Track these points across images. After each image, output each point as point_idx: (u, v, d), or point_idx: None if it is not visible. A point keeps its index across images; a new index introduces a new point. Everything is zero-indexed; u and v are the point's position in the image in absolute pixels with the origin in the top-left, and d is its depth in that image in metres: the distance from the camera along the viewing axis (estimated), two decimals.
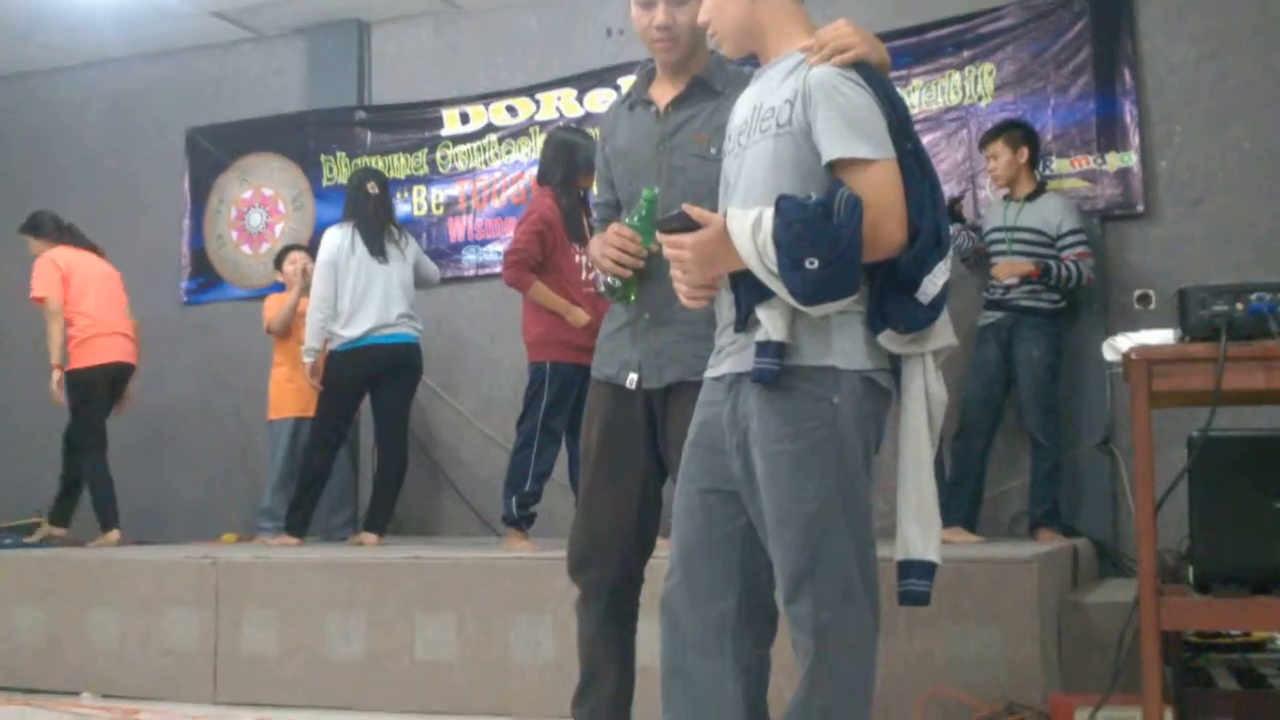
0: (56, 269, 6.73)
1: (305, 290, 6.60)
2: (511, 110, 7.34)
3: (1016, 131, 5.74)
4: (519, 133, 7.31)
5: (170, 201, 8.15)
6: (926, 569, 2.53)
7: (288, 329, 6.82)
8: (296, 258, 6.94)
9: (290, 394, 6.81)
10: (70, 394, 6.59)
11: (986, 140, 5.81)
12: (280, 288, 7.08)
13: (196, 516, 7.61)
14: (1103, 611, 4.24)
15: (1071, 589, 4.79)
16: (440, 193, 7.51)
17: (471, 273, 7.37)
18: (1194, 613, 2.97)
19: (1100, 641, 4.06)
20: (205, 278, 8.07)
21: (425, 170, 7.54)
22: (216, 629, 4.94)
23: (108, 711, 4.73)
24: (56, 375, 6.53)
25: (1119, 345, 3.04)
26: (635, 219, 2.94)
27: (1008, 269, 5.59)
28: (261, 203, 7.97)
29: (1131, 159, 5.99)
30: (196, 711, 4.72)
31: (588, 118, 6.96)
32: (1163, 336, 3.03)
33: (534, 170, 6.21)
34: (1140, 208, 5.98)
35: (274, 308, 6.91)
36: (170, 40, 8.05)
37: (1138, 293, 5.92)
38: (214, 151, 8.10)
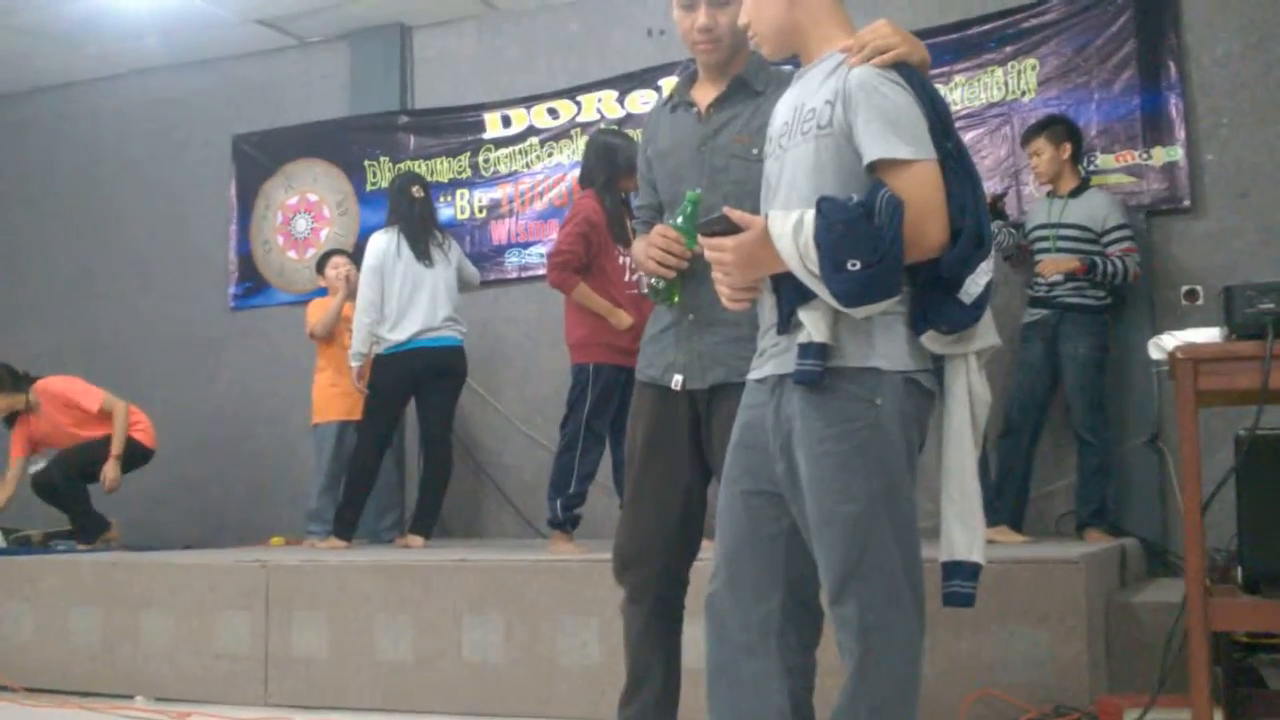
0: (73, 378, 7.04)
1: (349, 295, 6.65)
2: (553, 113, 7.36)
3: (1059, 127, 5.71)
4: (560, 135, 7.34)
5: (216, 208, 8.24)
6: (971, 570, 2.52)
7: (331, 334, 6.86)
8: (339, 262, 6.98)
9: (335, 398, 6.85)
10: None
11: (1029, 136, 5.78)
12: (323, 293, 7.13)
13: (244, 520, 7.69)
14: (1151, 612, 4.20)
15: (1119, 589, 4.75)
16: (483, 196, 7.55)
17: (514, 275, 7.41)
18: (1243, 613, 2.94)
19: (1149, 642, 4.01)
20: (252, 283, 8.16)
21: (468, 173, 7.59)
22: (267, 632, 4.99)
23: (161, 715, 4.78)
24: (116, 463, 6.82)
25: (1164, 344, 3.02)
26: (679, 220, 2.93)
27: (1053, 266, 5.55)
28: (306, 208, 8.04)
29: (1177, 153, 5.94)
30: (248, 714, 4.76)
31: (629, 119, 6.98)
32: (1209, 335, 3.00)
33: (576, 172, 6.23)
34: (1187, 202, 5.94)
35: (317, 313, 6.95)
36: (214, 48, 8.14)
37: (1185, 288, 5.87)
38: (259, 158, 8.18)
